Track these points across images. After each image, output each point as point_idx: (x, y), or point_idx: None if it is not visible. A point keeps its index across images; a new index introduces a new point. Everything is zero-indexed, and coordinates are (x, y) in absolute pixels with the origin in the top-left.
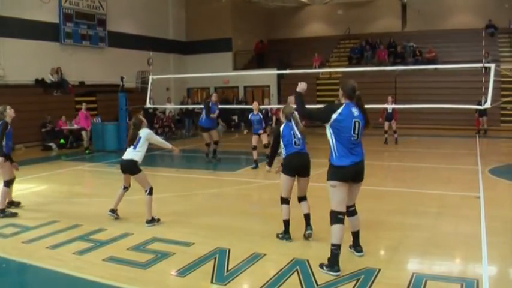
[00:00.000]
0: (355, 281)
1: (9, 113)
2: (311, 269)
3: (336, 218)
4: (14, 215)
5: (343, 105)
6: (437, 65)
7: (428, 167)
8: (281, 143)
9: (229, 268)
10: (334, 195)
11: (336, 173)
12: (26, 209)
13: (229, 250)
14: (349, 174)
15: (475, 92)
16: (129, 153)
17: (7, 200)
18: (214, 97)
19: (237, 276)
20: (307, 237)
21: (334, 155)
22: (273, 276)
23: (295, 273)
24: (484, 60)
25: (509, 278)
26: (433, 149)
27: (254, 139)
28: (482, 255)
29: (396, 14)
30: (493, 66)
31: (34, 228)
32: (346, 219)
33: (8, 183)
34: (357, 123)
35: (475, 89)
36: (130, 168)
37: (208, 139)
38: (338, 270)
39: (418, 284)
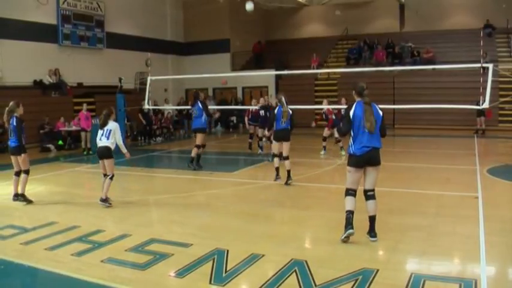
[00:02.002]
0: (353, 282)
1: (21, 109)
2: (309, 270)
3: (347, 192)
4: (31, 201)
5: (355, 103)
6: (435, 66)
7: (427, 167)
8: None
9: (227, 269)
10: (351, 177)
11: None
12: (25, 211)
13: (227, 251)
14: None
15: (473, 92)
16: (104, 142)
17: (13, 193)
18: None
19: (235, 277)
20: (288, 184)
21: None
22: (272, 277)
23: (294, 273)
24: (482, 61)
25: (507, 278)
26: (431, 149)
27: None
28: (480, 255)
29: (394, 15)
30: (491, 66)
31: (32, 229)
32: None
33: (28, 172)
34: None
35: (473, 89)
36: (106, 153)
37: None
38: (351, 229)
39: (417, 284)
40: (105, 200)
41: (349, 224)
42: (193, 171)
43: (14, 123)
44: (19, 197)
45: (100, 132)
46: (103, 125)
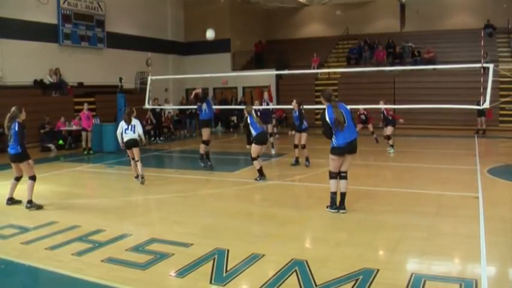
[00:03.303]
0: (353, 282)
1: (24, 114)
2: (310, 270)
3: (331, 175)
4: (40, 207)
5: (326, 108)
6: (436, 65)
7: (427, 167)
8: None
9: (228, 269)
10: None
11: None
12: (25, 211)
13: (228, 251)
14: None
15: (473, 92)
16: (131, 135)
17: (7, 196)
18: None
19: (236, 276)
20: (256, 179)
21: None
22: (272, 277)
23: (294, 273)
24: (482, 60)
25: (508, 278)
26: (431, 149)
27: (296, 138)
28: (481, 255)
29: (395, 15)
30: (491, 66)
31: (33, 229)
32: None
33: (34, 177)
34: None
35: (474, 89)
36: (135, 143)
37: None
38: (336, 208)
39: (417, 284)
40: (140, 176)
41: (334, 203)
42: (193, 171)
43: (16, 129)
44: (13, 201)
45: (125, 127)
46: (129, 121)
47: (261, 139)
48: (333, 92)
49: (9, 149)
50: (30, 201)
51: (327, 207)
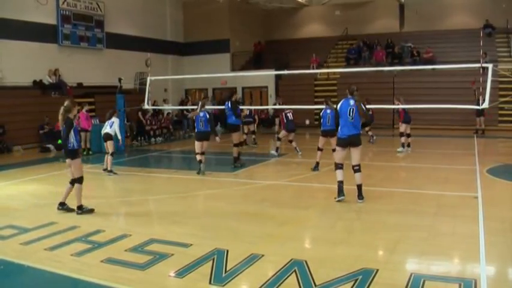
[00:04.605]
0: (353, 282)
1: (75, 110)
2: (309, 270)
3: (337, 166)
4: (91, 211)
5: (342, 100)
6: (435, 66)
7: (426, 167)
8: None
9: (227, 269)
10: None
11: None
12: (25, 211)
13: (227, 251)
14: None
15: (472, 92)
16: (107, 129)
17: (61, 200)
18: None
19: (235, 277)
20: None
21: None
22: (271, 277)
23: (294, 273)
24: (481, 60)
25: (507, 278)
26: (430, 149)
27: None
28: (480, 255)
29: (394, 15)
30: (490, 66)
31: (32, 229)
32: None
33: (81, 180)
34: (351, 110)
35: (473, 89)
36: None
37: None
38: (343, 196)
39: (416, 284)
40: (107, 171)
41: (341, 191)
42: (192, 171)
43: (64, 124)
44: (64, 207)
45: (106, 123)
46: (109, 118)
47: (197, 136)
48: (333, 92)
49: (64, 145)
50: (80, 207)
51: (335, 198)
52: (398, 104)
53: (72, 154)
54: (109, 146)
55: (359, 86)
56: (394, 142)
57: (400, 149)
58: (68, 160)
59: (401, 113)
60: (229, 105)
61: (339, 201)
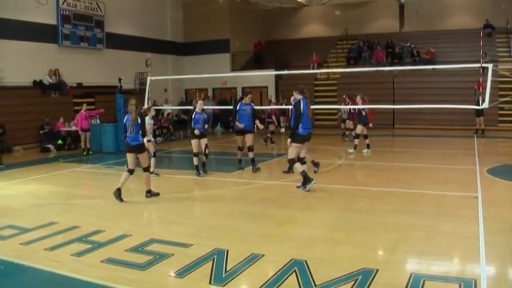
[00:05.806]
0: (353, 282)
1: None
2: (309, 270)
3: (294, 161)
4: (157, 194)
5: (301, 99)
6: (435, 66)
7: (426, 167)
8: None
9: (227, 269)
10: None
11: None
12: (25, 211)
13: (227, 251)
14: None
15: (472, 92)
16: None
17: (118, 186)
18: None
19: (235, 277)
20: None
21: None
22: (272, 277)
23: (294, 273)
24: (481, 60)
25: (507, 278)
26: (430, 149)
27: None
28: (480, 255)
29: (394, 15)
30: (490, 66)
31: (32, 229)
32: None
33: (149, 168)
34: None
35: (473, 89)
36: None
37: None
38: (312, 179)
39: (416, 284)
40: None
41: (308, 178)
42: (192, 171)
43: (139, 121)
44: (147, 193)
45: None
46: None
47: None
48: (333, 92)
49: (129, 141)
50: (149, 191)
51: (298, 187)
52: (363, 104)
53: (142, 148)
54: (149, 146)
55: (359, 86)
56: (394, 142)
57: (364, 150)
58: (131, 154)
59: (358, 114)
60: (252, 109)
61: (308, 190)
